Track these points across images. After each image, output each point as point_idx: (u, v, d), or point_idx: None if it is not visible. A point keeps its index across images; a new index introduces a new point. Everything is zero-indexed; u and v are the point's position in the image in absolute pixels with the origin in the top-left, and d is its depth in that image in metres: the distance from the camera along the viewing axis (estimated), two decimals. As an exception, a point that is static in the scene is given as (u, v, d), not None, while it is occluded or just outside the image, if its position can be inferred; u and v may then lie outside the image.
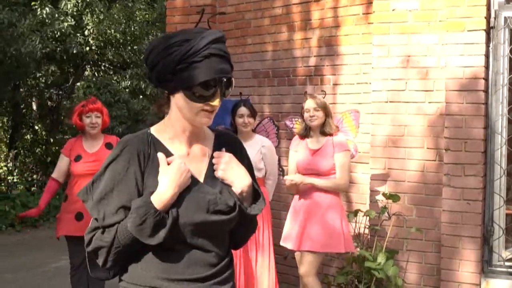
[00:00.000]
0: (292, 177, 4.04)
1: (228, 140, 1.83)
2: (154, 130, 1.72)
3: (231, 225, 1.72)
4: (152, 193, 1.60)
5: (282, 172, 5.09)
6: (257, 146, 4.38)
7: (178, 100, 1.65)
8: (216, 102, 1.63)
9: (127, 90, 11.43)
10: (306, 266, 4.00)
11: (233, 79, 1.67)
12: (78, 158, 4.25)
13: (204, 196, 1.65)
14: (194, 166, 1.70)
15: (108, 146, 4.38)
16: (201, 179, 1.70)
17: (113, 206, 1.62)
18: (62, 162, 4.31)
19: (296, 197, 4.19)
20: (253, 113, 4.44)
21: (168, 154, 1.67)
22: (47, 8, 9.92)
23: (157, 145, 1.68)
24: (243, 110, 4.38)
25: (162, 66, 1.62)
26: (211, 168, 1.72)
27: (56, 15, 10.09)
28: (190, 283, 1.64)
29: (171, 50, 1.59)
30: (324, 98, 4.16)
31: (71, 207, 4.20)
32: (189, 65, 1.58)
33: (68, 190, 4.30)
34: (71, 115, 4.43)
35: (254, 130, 4.63)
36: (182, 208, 1.61)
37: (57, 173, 4.32)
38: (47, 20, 9.95)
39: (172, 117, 1.70)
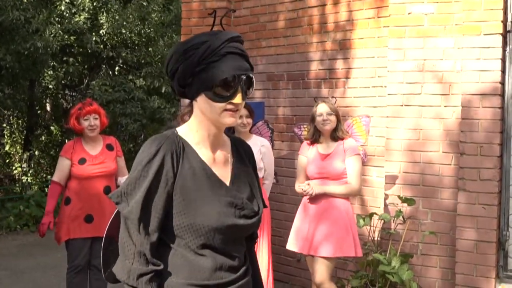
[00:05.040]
0: (306, 188, 3.98)
1: (243, 146, 1.87)
2: (181, 132, 1.70)
3: (252, 230, 1.75)
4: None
5: (275, 174, 5.09)
6: (257, 146, 4.40)
7: (201, 103, 1.65)
8: (238, 100, 1.63)
9: (141, 89, 11.45)
10: (320, 274, 4.00)
11: (253, 77, 1.67)
12: (82, 161, 4.18)
13: (232, 200, 1.66)
14: (220, 171, 1.71)
15: (109, 147, 4.34)
16: (227, 184, 1.71)
17: (153, 222, 1.60)
18: (64, 165, 4.21)
19: (306, 198, 4.14)
20: (251, 114, 4.42)
21: (197, 158, 1.67)
22: (65, 1, 10.02)
23: (187, 148, 1.67)
24: (241, 110, 4.34)
25: (182, 70, 1.63)
26: (234, 173, 1.75)
27: (73, 10, 10.19)
28: None
29: (189, 54, 1.61)
30: (335, 104, 4.16)
31: (77, 210, 4.16)
32: (208, 66, 1.60)
33: (72, 193, 4.22)
34: (68, 118, 4.30)
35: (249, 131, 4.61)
36: (214, 212, 1.61)
37: (59, 176, 4.22)
38: (65, 13, 10.03)
39: (196, 122, 1.70)
